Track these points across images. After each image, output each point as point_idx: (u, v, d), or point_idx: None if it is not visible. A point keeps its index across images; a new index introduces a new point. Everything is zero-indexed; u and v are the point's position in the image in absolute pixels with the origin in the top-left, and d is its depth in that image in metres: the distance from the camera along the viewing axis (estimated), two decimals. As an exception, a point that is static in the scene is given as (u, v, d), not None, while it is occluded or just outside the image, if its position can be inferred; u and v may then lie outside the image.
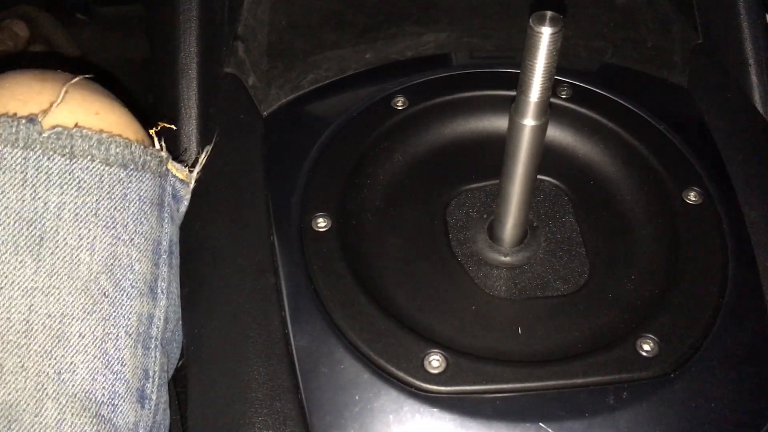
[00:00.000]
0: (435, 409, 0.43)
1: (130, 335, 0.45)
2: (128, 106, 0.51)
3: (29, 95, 0.45)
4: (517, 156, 0.47)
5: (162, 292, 0.48)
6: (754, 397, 0.44)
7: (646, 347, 0.45)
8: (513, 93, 0.57)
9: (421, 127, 0.58)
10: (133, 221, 0.46)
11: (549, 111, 0.45)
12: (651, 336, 0.45)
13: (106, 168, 0.45)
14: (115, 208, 0.45)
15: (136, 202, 0.46)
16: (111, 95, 0.49)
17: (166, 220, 0.49)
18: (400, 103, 0.58)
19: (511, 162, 0.48)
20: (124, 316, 0.45)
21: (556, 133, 0.57)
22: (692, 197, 0.52)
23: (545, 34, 0.40)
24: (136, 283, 0.46)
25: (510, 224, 0.52)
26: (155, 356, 0.47)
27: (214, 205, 0.55)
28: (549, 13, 0.40)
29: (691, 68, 0.63)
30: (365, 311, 0.47)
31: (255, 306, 0.49)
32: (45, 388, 0.42)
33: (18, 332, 0.42)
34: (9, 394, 0.41)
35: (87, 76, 0.48)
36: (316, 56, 0.65)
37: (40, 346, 0.42)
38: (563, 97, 0.58)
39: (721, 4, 0.64)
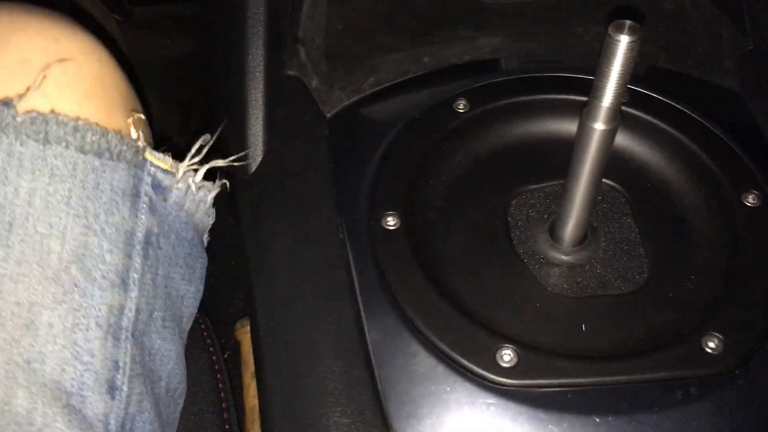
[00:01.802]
0: (508, 402, 0.45)
1: (100, 326, 0.44)
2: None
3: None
4: (586, 159, 0.49)
5: (134, 283, 0.46)
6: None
7: (712, 344, 0.47)
8: (572, 97, 0.60)
9: (482, 130, 0.60)
10: (105, 211, 0.45)
11: (620, 117, 0.47)
12: (716, 334, 0.47)
13: (81, 156, 0.44)
14: (87, 197, 0.44)
15: (108, 192, 0.45)
16: (73, 22, 0.47)
17: (142, 211, 0.47)
18: (461, 106, 0.60)
19: (578, 164, 0.49)
20: (94, 307, 0.44)
21: (613, 137, 0.59)
22: (751, 200, 0.54)
23: (623, 42, 0.42)
24: (108, 274, 0.45)
25: (572, 224, 0.53)
26: (126, 348, 0.45)
27: (284, 203, 0.57)
28: (628, 22, 0.42)
29: (742, 73, 0.64)
30: (437, 307, 0.49)
31: (328, 300, 0.51)
32: (15, 377, 0.41)
33: None
34: None
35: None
36: (373, 60, 0.67)
37: (8, 335, 0.41)
38: None
39: (770, 10, 0.65)
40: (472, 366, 0.46)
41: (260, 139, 0.60)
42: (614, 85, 0.44)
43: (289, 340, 0.50)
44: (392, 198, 0.54)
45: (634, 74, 0.63)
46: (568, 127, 0.59)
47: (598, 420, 0.44)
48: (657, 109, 0.59)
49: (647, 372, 0.46)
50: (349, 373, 0.47)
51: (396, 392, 0.46)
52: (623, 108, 0.59)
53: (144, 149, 0.48)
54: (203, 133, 0.53)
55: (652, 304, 0.51)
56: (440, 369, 0.46)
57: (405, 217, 0.54)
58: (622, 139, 0.59)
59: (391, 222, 0.53)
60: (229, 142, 0.63)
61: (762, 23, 0.66)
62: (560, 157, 0.53)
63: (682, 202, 0.57)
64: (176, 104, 1.12)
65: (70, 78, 0.45)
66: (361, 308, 0.50)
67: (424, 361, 0.47)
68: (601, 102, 0.45)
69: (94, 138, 0.44)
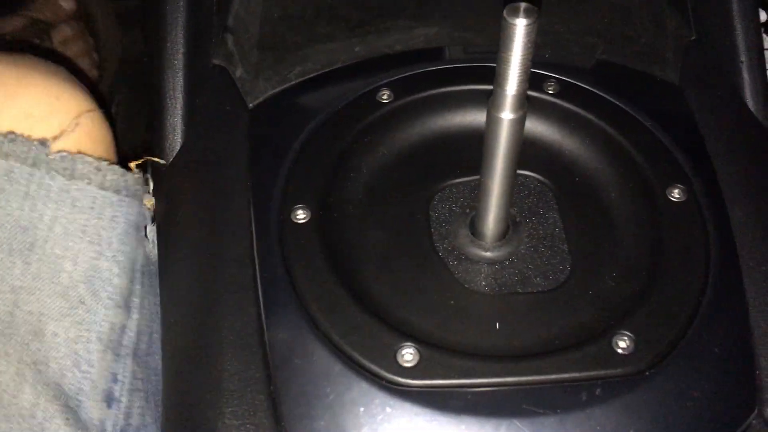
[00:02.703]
0: (406, 403, 0.43)
1: (101, 340, 0.49)
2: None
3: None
4: (496, 150, 0.47)
5: (135, 307, 0.52)
6: (729, 397, 0.44)
7: (622, 344, 0.45)
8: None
9: (407, 121, 0.58)
10: (118, 240, 0.51)
11: (527, 104, 0.45)
12: (627, 333, 0.45)
13: (100, 191, 0.51)
14: (103, 227, 0.51)
15: (123, 224, 0.52)
16: (71, 80, 0.55)
17: (142, 241, 0.54)
18: (385, 97, 0.58)
19: (490, 156, 0.47)
20: (97, 323, 0.49)
21: (541, 129, 0.57)
22: (676, 194, 0.52)
23: (519, 25, 0.40)
24: (114, 295, 0.51)
25: (491, 219, 0.51)
26: (126, 363, 0.51)
27: (198, 195, 0.55)
28: (523, 5, 0.40)
29: (683, 65, 0.62)
30: (340, 303, 0.47)
31: (232, 297, 0.49)
32: (24, 374, 0.46)
33: (2, 322, 0.47)
34: None
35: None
36: (306, 49, 0.65)
37: (20, 338, 0.47)
38: (550, 92, 0.57)
39: (715, -1, 0.63)
40: (370, 365, 0.44)
41: (178, 129, 0.58)
42: (516, 72, 0.42)
43: (189, 338, 0.48)
44: (304, 190, 0.52)
45: (571, 66, 0.62)
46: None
47: (496, 422, 0.42)
48: (588, 102, 0.57)
49: (553, 372, 0.44)
50: (244, 372, 0.45)
51: (291, 392, 0.44)
52: (553, 100, 0.57)
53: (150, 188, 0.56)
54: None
55: (570, 302, 0.49)
56: (338, 368, 0.44)
57: (317, 211, 0.52)
58: (551, 132, 0.58)
59: (300, 215, 0.51)
60: (151, 132, 0.61)
61: (705, 13, 0.64)
62: None
63: (610, 196, 0.55)
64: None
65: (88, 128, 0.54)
66: (262, 305, 0.48)
67: (323, 360, 0.45)
68: (505, 90, 0.43)
69: (114, 177, 0.52)
